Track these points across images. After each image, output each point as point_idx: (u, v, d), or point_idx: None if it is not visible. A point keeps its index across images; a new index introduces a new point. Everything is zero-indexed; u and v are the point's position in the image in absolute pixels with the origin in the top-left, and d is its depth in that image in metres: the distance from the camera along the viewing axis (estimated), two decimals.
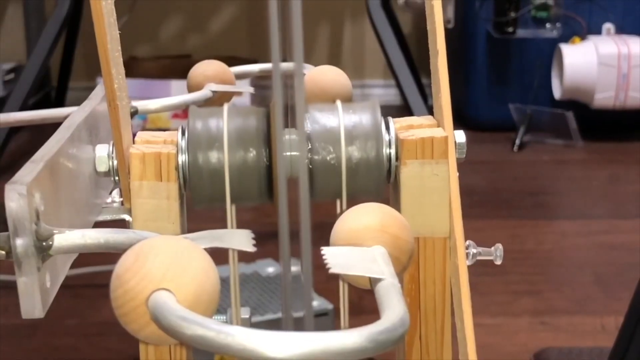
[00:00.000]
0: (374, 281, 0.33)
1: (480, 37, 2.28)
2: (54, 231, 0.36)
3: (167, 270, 0.30)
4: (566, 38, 2.21)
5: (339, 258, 0.36)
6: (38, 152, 0.40)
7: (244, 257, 1.14)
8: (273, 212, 0.62)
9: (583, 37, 2.20)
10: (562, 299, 1.41)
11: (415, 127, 0.49)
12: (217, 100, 0.64)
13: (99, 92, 0.53)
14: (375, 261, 0.35)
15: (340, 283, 0.49)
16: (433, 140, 0.47)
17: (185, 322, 0.28)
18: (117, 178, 0.48)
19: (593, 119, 2.22)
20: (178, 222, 0.47)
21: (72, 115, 0.46)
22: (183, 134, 0.48)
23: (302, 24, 0.34)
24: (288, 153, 0.45)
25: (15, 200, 0.34)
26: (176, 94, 0.67)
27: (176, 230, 0.47)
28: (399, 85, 1.91)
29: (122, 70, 0.47)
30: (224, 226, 0.50)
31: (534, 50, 2.26)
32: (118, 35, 0.45)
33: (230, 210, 0.47)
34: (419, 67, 2.41)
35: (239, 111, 0.48)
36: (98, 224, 0.49)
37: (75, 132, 0.44)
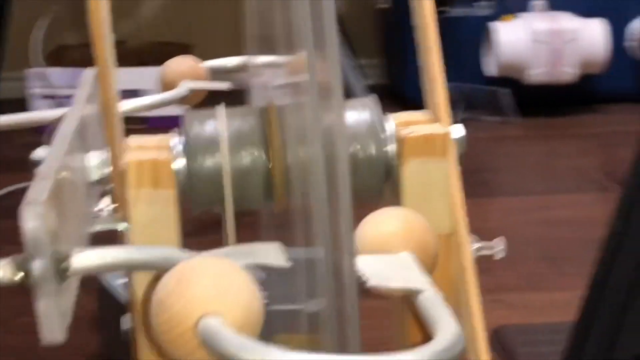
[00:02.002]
0: (413, 293, 0.33)
1: None
2: (72, 251, 0.35)
3: (213, 293, 0.29)
4: (499, 15, 2.23)
5: (372, 268, 0.35)
6: (42, 167, 0.38)
7: (201, 246, 1.12)
8: None
9: (515, 14, 2.22)
10: (513, 276, 1.43)
11: (413, 124, 0.49)
12: (192, 97, 0.63)
13: (82, 95, 0.51)
14: (410, 269, 0.35)
15: None
16: (434, 138, 0.47)
17: (243, 349, 0.26)
18: (110, 186, 0.47)
19: (528, 95, 2.24)
20: (176, 230, 0.46)
21: (64, 124, 0.44)
22: (178, 138, 0.47)
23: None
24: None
25: (33, 221, 0.33)
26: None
27: (174, 238, 0.46)
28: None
29: (115, 74, 0.45)
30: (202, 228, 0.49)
31: (468, 28, 2.28)
32: (112, 36, 0.44)
33: (231, 214, 0.46)
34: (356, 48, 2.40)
35: (234, 113, 0.47)
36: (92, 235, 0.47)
37: (72, 142, 0.43)
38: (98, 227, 0.47)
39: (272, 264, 0.33)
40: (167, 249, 0.35)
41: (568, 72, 2.15)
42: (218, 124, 0.46)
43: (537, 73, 2.15)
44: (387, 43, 2.47)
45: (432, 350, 0.27)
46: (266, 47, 0.49)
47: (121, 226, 0.46)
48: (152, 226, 0.45)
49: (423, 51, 0.50)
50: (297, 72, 0.39)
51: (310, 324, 0.39)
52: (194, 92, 0.62)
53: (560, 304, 1.33)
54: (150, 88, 1.74)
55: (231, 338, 0.27)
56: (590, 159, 1.96)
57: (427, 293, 0.32)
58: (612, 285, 0.90)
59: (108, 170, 0.46)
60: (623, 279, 0.90)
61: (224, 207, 0.46)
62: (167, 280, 0.30)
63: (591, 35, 2.16)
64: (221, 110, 0.47)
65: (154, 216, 0.45)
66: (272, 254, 0.34)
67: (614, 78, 2.19)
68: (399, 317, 0.43)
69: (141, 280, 0.43)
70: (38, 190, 0.34)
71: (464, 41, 2.28)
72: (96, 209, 0.51)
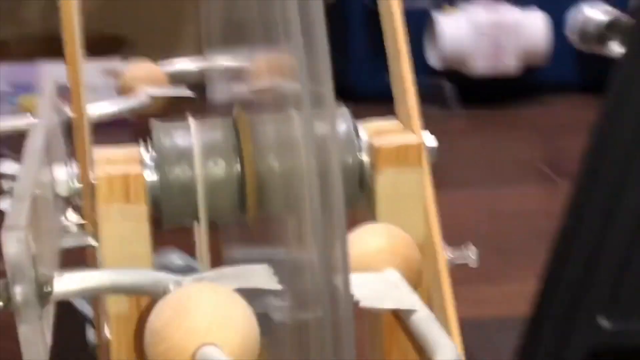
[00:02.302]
0: (405, 313, 0.32)
1: (357, 9, 2.28)
2: (53, 275, 0.34)
3: (211, 323, 0.29)
4: (440, 7, 2.24)
5: (362, 288, 0.34)
6: (16, 187, 0.37)
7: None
8: None
9: (456, 6, 2.23)
10: (462, 269, 1.43)
11: (384, 133, 0.48)
12: (153, 103, 0.62)
13: (44, 107, 0.50)
14: (398, 287, 0.34)
15: None
16: (408, 147, 0.47)
17: None
18: (78, 201, 0.46)
19: (471, 87, 2.26)
20: (149, 246, 0.45)
21: (33, 137, 0.43)
22: (147, 150, 0.46)
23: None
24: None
25: (15, 247, 0.32)
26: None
27: (147, 254, 0.45)
28: None
29: (84, 76, 0.44)
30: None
31: (411, 20, 2.28)
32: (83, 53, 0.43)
33: (205, 227, 0.45)
34: None
35: (205, 124, 0.47)
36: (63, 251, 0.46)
37: (42, 156, 0.42)
38: (67, 243, 0.46)
39: (264, 287, 0.33)
40: (154, 272, 0.35)
41: (510, 64, 2.17)
42: (191, 135, 0.45)
43: (480, 65, 2.17)
44: (330, 37, 2.47)
45: None
46: (232, 45, 0.48)
47: (91, 242, 0.46)
48: (123, 242, 0.44)
49: (392, 56, 0.50)
50: (274, 75, 0.38)
51: (276, 328, 0.39)
52: (154, 99, 0.61)
53: (511, 296, 1.34)
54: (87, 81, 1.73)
55: None
56: (534, 151, 1.98)
57: (421, 313, 0.32)
58: (564, 280, 0.92)
59: (77, 184, 0.45)
60: (575, 273, 0.91)
61: (197, 220, 0.46)
62: (162, 309, 0.29)
63: (533, 27, 2.18)
64: (192, 121, 0.46)
65: (125, 232, 0.44)
66: (262, 276, 0.33)
67: (555, 69, 2.22)
68: (378, 334, 0.43)
69: (115, 297, 0.42)
70: (17, 214, 0.33)
71: (408, 34, 2.29)
72: (64, 223, 0.50)
